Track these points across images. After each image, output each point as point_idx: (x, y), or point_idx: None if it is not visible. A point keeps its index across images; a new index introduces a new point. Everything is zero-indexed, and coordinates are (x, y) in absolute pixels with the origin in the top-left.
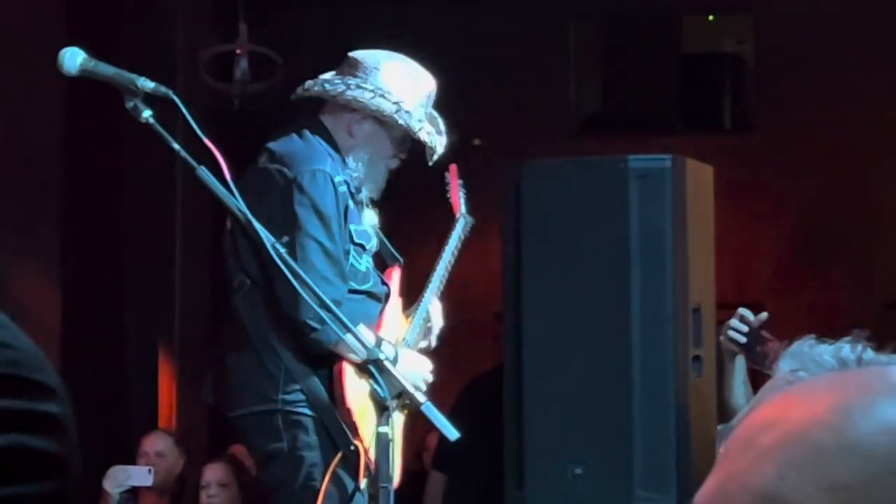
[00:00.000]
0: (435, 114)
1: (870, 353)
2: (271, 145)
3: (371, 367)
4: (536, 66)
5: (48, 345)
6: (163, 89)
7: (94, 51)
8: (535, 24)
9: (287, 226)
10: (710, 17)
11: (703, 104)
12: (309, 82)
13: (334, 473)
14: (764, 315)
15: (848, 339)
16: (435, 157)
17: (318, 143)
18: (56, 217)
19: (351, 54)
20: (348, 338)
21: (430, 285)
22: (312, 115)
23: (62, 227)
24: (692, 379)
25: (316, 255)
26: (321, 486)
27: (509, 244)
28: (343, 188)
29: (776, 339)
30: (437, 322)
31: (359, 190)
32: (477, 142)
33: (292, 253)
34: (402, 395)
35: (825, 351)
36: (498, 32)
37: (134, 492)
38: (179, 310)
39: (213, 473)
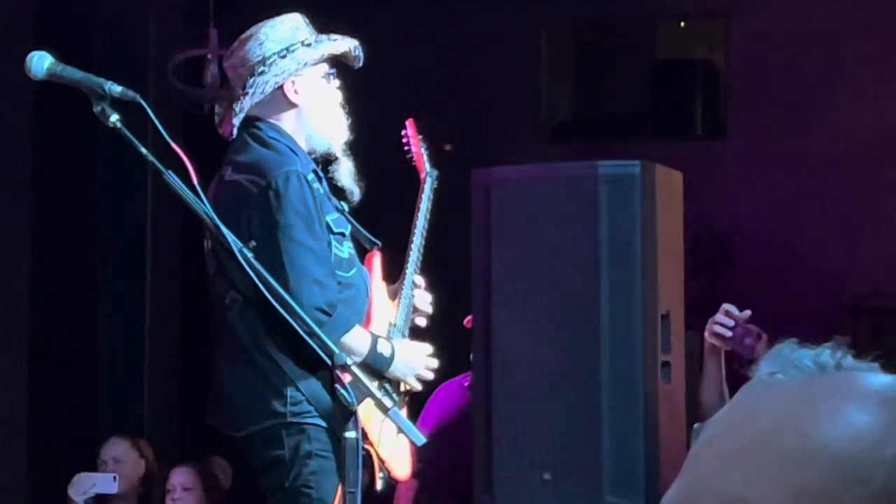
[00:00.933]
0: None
1: (849, 360)
2: (234, 157)
3: (337, 372)
4: (509, 71)
5: (16, 344)
6: (130, 93)
7: (65, 56)
8: (508, 30)
9: (269, 235)
10: (682, 24)
11: (675, 110)
12: (228, 117)
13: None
14: (748, 312)
15: (829, 344)
16: (361, 56)
17: (278, 142)
18: (28, 226)
19: (230, 60)
20: (347, 337)
21: (410, 259)
22: (252, 120)
23: (34, 230)
24: (661, 384)
25: (306, 258)
26: (318, 494)
27: (478, 250)
28: (316, 183)
29: (763, 332)
30: (425, 301)
31: (330, 155)
32: (448, 148)
33: (260, 258)
34: (395, 391)
35: (805, 355)
36: (470, 38)
37: (100, 499)
38: (150, 309)
39: (178, 477)
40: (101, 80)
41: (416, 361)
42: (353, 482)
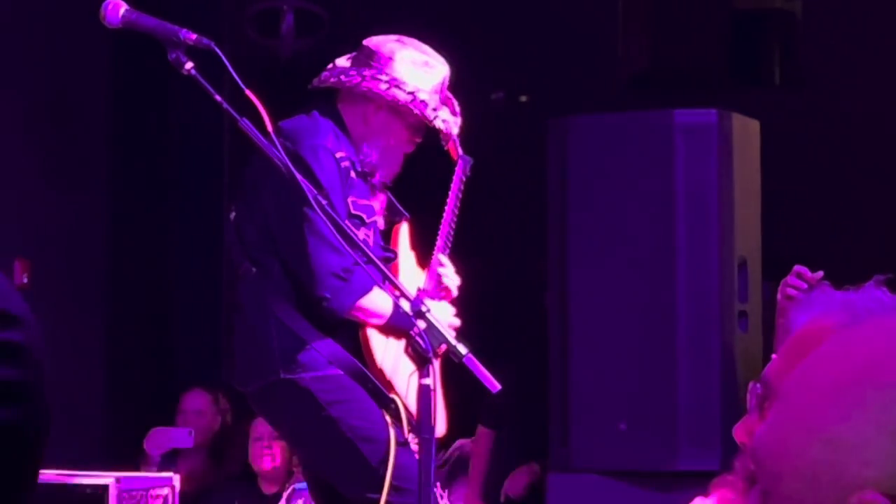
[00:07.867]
0: (450, 95)
1: None
2: (282, 123)
3: (417, 319)
4: (584, 21)
5: (93, 297)
6: (204, 41)
7: (141, 6)
8: None
9: (292, 200)
10: None
11: (752, 60)
12: (325, 73)
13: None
14: (820, 273)
15: None
16: (450, 142)
17: (325, 122)
18: (103, 175)
19: (366, 43)
20: (366, 300)
21: (440, 236)
22: (328, 101)
23: (109, 185)
24: (737, 334)
25: (324, 226)
26: (354, 436)
27: (555, 200)
28: (345, 163)
29: None
30: (452, 279)
31: (373, 175)
32: (524, 99)
33: (282, 222)
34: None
35: (881, 296)
36: None
37: (174, 452)
38: (226, 259)
39: (268, 426)
40: (176, 27)
41: (445, 318)
42: (427, 428)
